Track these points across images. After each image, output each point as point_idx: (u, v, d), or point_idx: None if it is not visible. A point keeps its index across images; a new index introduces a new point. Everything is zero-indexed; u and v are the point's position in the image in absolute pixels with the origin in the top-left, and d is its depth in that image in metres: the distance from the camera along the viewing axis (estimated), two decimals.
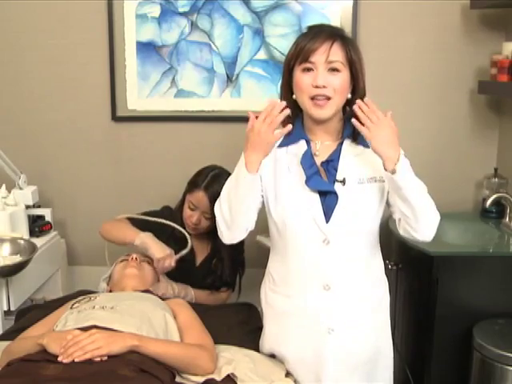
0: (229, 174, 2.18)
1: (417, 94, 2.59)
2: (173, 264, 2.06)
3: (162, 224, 2.19)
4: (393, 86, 2.58)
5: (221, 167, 2.23)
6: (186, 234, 2.17)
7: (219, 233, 1.70)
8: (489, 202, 2.34)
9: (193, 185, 2.19)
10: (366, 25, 2.53)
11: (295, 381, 1.70)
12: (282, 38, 2.54)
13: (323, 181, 1.60)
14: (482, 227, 2.42)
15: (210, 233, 2.25)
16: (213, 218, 2.15)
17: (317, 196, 1.59)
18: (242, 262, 2.30)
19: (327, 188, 1.59)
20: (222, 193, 1.65)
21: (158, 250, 2.06)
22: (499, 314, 2.08)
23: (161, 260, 2.04)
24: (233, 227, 1.64)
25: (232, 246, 2.21)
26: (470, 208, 2.66)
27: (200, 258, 2.28)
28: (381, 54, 2.54)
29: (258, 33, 2.55)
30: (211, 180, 2.16)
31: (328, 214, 1.59)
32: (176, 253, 2.12)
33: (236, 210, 1.61)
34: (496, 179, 2.49)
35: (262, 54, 2.57)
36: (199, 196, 2.15)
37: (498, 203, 2.41)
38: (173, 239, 2.18)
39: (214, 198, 2.11)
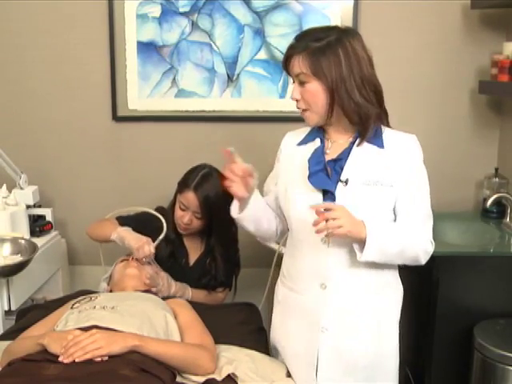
0: (219, 173, 2.19)
1: (417, 94, 2.59)
2: (152, 250, 2.04)
3: (148, 219, 2.21)
4: (393, 86, 2.55)
5: (210, 166, 2.21)
6: (162, 219, 2.17)
7: None
8: (489, 201, 2.34)
9: (183, 185, 2.18)
10: (367, 25, 2.53)
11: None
12: (282, 37, 2.54)
13: (325, 179, 1.59)
14: (483, 227, 2.42)
15: (203, 232, 2.25)
16: (204, 218, 2.16)
17: (319, 195, 1.59)
18: (237, 261, 2.30)
19: (325, 186, 1.58)
20: None
21: (134, 239, 2.05)
22: (500, 314, 2.08)
23: (139, 249, 2.02)
24: (261, 238, 1.84)
25: (225, 246, 2.22)
26: (471, 208, 2.66)
27: (193, 258, 2.27)
28: (381, 53, 2.50)
29: (259, 33, 2.55)
30: (201, 180, 2.14)
31: None
32: (164, 248, 2.14)
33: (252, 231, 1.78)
34: (497, 179, 2.49)
35: (262, 54, 2.57)
36: (189, 196, 2.14)
37: (498, 203, 2.41)
38: (165, 241, 2.18)
39: (203, 197, 2.11)
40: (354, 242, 1.54)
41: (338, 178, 1.58)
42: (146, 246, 2.03)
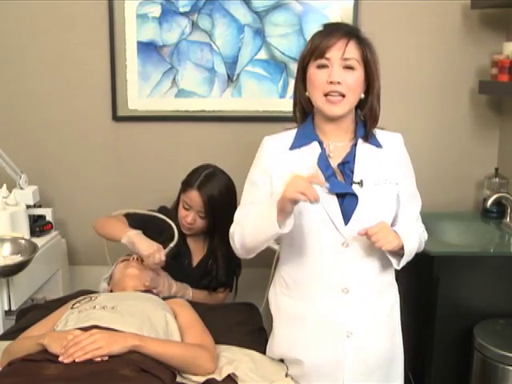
0: (222, 173, 2.19)
1: (417, 94, 2.59)
2: (163, 258, 2.02)
3: (156, 218, 2.18)
4: (393, 86, 2.57)
5: (214, 166, 2.22)
6: (174, 226, 2.14)
7: (234, 250, 1.70)
8: (489, 201, 2.34)
9: (186, 184, 2.18)
10: (367, 25, 2.51)
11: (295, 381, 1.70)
12: (282, 37, 2.54)
13: (342, 183, 1.58)
14: (483, 227, 2.43)
15: (207, 233, 2.25)
16: (208, 217, 2.16)
17: (335, 198, 1.57)
18: (239, 262, 2.30)
19: (347, 190, 1.57)
20: (244, 224, 1.62)
21: (145, 246, 2.02)
22: (500, 314, 2.08)
23: (150, 256, 2.00)
24: (251, 253, 1.66)
25: (227, 246, 2.20)
26: (471, 208, 2.66)
27: (197, 258, 2.27)
28: (381, 54, 2.50)
29: (259, 33, 2.55)
30: (204, 179, 2.15)
31: (347, 217, 1.57)
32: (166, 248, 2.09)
33: (257, 245, 1.61)
34: (497, 179, 2.49)
35: (262, 54, 2.57)
36: (193, 195, 2.14)
37: (498, 203, 2.41)
38: (170, 240, 2.15)
39: (207, 197, 2.12)
40: (388, 252, 1.59)
41: (350, 181, 1.59)
42: (156, 254, 2.01)
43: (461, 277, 2.07)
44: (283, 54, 2.55)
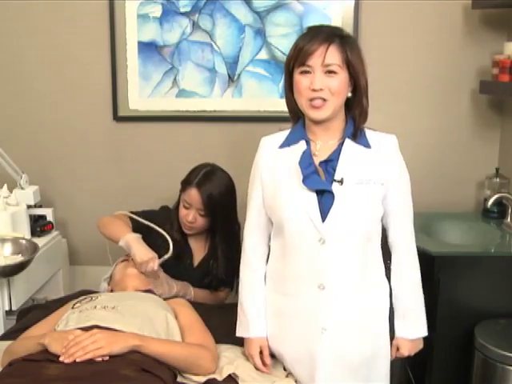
0: (221, 171, 2.20)
1: (418, 94, 2.59)
2: (155, 268, 2.01)
3: (157, 217, 2.19)
4: (394, 86, 2.58)
5: (213, 164, 2.23)
6: (169, 238, 2.13)
7: None
8: (490, 202, 2.34)
9: (186, 183, 2.19)
10: (368, 25, 2.53)
11: (296, 380, 1.70)
12: (283, 37, 2.54)
13: (320, 180, 1.60)
14: (484, 227, 2.42)
15: (208, 232, 2.25)
16: (208, 215, 2.16)
17: (314, 195, 1.59)
18: (239, 261, 2.30)
19: (323, 187, 1.58)
20: (241, 296, 1.77)
21: (141, 253, 2.02)
22: (501, 314, 2.08)
23: (143, 264, 2.00)
24: None
25: (228, 245, 2.21)
26: (472, 208, 2.66)
27: (198, 258, 2.27)
28: (382, 53, 2.54)
29: (260, 33, 2.55)
30: (203, 177, 2.16)
31: (324, 214, 1.58)
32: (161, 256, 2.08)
33: None
34: (497, 179, 2.49)
35: (263, 54, 2.57)
36: (192, 193, 2.14)
37: (499, 203, 2.41)
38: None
39: (206, 194, 2.12)
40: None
41: (331, 179, 1.60)
42: (150, 263, 2.01)
43: (461, 277, 2.07)
44: (284, 54, 2.55)
